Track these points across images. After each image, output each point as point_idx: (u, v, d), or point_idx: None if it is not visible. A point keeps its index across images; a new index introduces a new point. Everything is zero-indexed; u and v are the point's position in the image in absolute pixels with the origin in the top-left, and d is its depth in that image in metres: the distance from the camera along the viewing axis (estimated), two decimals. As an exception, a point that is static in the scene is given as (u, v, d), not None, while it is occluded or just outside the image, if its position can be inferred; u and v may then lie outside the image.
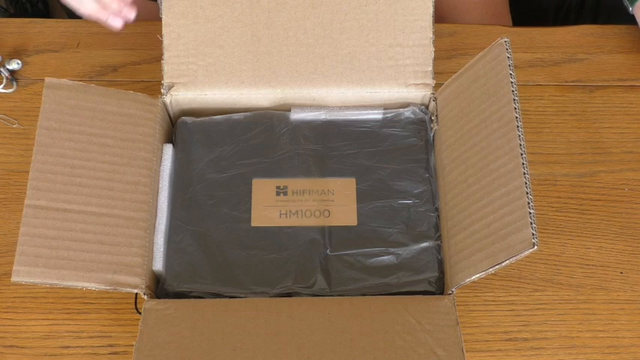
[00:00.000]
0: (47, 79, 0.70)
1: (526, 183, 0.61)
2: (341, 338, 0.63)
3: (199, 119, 0.75)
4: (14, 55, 0.83)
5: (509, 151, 0.64)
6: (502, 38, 0.68)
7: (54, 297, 0.71)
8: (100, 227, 0.67)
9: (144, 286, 0.66)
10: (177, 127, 0.75)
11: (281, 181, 0.72)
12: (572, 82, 0.83)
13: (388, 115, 0.75)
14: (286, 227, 0.70)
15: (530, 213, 0.60)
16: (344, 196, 0.72)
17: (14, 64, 0.81)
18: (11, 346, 0.69)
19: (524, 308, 0.71)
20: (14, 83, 0.81)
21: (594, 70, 0.83)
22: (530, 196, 0.61)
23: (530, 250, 0.59)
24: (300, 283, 0.68)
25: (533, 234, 0.59)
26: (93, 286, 0.65)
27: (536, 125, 0.80)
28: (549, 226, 0.74)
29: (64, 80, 0.71)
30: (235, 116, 0.76)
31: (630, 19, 0.89)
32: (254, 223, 0.71)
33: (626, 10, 0.85)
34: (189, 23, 0.75)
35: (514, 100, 0.65)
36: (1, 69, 0.81)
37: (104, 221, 0.67)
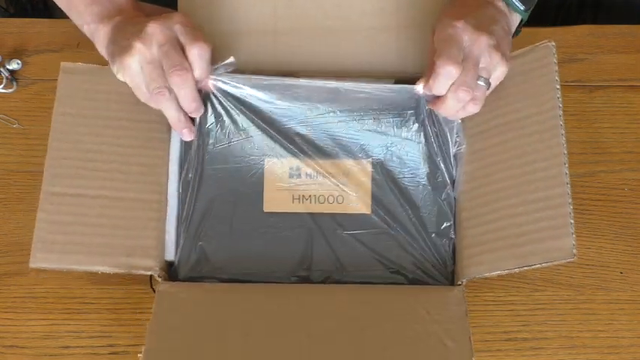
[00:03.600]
0: (63, 64, 0.71)
1: (568, 193, 0.63)
2: (351, 327, 0.63)
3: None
4: (14, 55, 0.83)
5: (550, 157, 0.65)
6: (549, 41, 0.69)
7: (54, 297, 0.71)
8: (115, 211, 0.68)
9: (158, 268, 0.67)
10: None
11: (294, 162, 0.70)
12: (572, 82, 0.83)
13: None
14: (299, 213, 0.70)
15: (571, 222, 0.62)
16: (359, 181, 0.70)
17: (14, 64, 0.81)
18: (11, 346, 0.69)
19: (524, 308, 0.71)
20: (14, 83, 0.81)
21: (594, 70, 0.83)
22: (571, 207, 0.63)
23: (569, 260, 0.61)
24: (312, 267, 0.68)
25: (573, 244, 0.61)
26: (107, 269, 0.66)
27: (536, 125, 0.80)
28: (549, 226, 0.74)
29: (79, 64, 0.71)
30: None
31: (630, 19, 0.89)
32: (266, 209, 0.70)
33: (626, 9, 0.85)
34: (204, 5, 0.74)
35: (559, 107, 0.66)
36: (1, 69, 0.81)
37: (119, 205, 0.68)
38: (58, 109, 0.70)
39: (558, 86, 0.67)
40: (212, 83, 0.69)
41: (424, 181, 0.71)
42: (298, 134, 0.71)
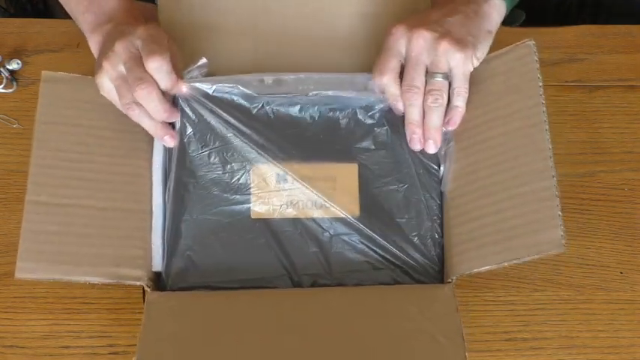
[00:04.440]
0: (44, 73, 0.71)
1: (555, 185, 0.63)
2: (343, 327, 0.64)
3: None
4: (14, 55, 0.83)
5: (535, 151, 0.65)
6: (529, 40, 0.68)
7: (54, 297, 0.71)
8: (102, 221, 0.67)
9: (146, 278, 0.66)
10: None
11: (281, 167, 0.70)
12: (572, 82, 0.83)
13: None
14: (286, 219, 0.69)
15: (559, 215, 0.62)
16: (346, 184, 0.70)
17: (14, 64, 0.81)
18: (11, 346, 0.69)
19: (524, 308, 0.71)
20: (14, 83, 0.81)
21: (594, 70, 0.83)
22: (558, 199, 0.62)
23: (558, 251, 0.61)
24: (301, 271, 0.68)
25: (562, 235, 0.61)
26: (96, 280, 0.65)
27: (536, 125, 0.80)
28: (549, 226, 0.74)
29: (60, 73, 0.71)
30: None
31: (630, 19, 0.89)
32: (254, 215, 0.70)
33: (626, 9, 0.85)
34: (184, 9, 0.75)
35: (542, 103, 0.66)
36: (1, 69, 0.81)
37: (105, 215, 0.67)
38: (40, 118, 0.69)
39: (541, 83, 0.67)
40: (185, 89, 0.69)
41: (409, 182, 0.71)
42: (283, 138, 0.70)
